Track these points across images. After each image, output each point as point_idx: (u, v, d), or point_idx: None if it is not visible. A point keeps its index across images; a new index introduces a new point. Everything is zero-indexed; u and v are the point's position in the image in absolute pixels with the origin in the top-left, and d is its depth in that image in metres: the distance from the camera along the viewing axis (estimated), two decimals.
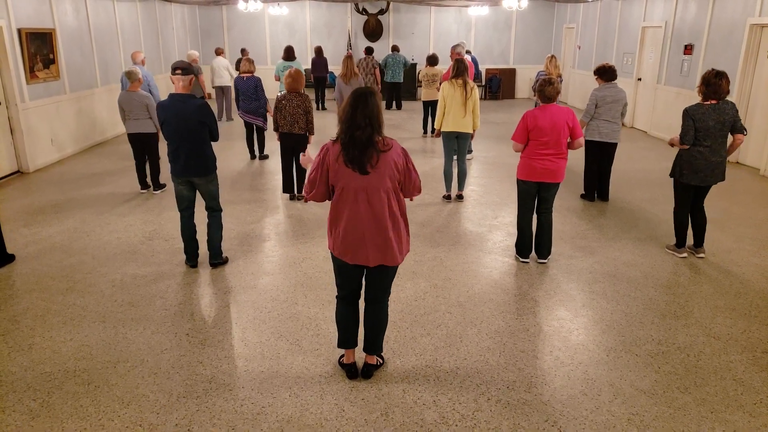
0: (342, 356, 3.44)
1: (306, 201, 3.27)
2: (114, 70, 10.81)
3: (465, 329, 3.86)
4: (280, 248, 5.31)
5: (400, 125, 12.01)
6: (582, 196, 6.86)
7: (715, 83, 4.62)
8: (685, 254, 5.11)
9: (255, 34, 16.23)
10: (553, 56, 8.46)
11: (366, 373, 3.33)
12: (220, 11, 16.06)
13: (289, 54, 10.71)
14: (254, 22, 16.12)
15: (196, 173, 4.58)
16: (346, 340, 3.32)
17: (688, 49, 9.86)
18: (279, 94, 6.77)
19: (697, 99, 4.99)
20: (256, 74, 8.64)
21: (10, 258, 4.99)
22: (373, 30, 16.22)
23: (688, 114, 4.74)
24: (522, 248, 5.01)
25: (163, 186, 7.19)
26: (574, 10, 15.04)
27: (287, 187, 6.79)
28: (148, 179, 7.21)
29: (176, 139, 4.47)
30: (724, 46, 8.92)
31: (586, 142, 6.48)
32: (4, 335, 3.77)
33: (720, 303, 4.24)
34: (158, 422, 2.94)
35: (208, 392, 3.19)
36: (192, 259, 4.86)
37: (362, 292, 3.28)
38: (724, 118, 4.67)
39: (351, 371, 3.33)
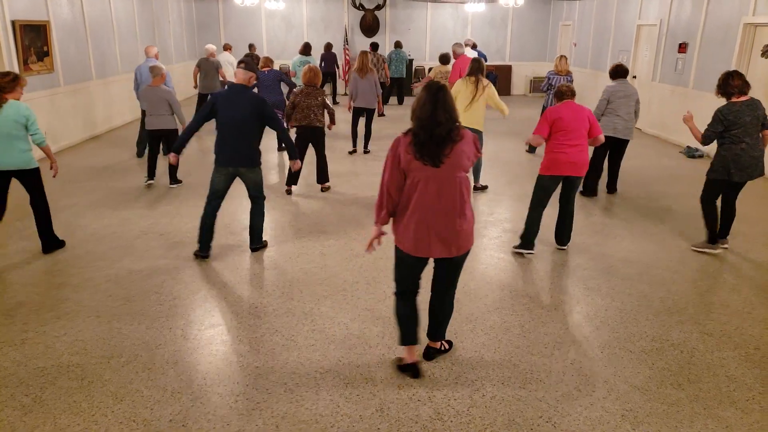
0: (401, 359, 3.34)
1: (376, 222, 3.14)
2: (110, 63, 10.75)
3: (460, 325, 3.86)
4: (276, 243, 5.30)
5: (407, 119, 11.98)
6: (581, 192, 6.85)
7: (728, 84, 4.73)
8: (719, 250, 5.12)
9: (252, 29, 16.16)
10: (563, 56, 8.54)
11: (428, 355, 3.39)
12: (216, 5, 15.98)
13: (306, 49, 10.73)
14: (251, 17, 16.04)
15: (243, 163, 4.68)
16: (411, 335, 3.26)
17: (683, 48, 9.89)
18: (296, 88, 6.81)
19: (690, 99, 5.01)
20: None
21: (61, 243, 5.09)
22: (370, 25, 16.18)
23: (721, 115, 4.76)
24: (528, 242, 5.06)
25: (180, 182, 7.13)
26: (571, 8, 15.04)
27: (291, 180, 6.82)
28: (159, 171, 7.20)
29: (227, 129, 4.57)
30: (718, 45, 8.94)
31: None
32: None
33: (714, 299, 4.27)
34: (152, 418, 2.94)
35: (202, 388, 3.18)
36: (205, 249, 4.89)
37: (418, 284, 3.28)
38: (758, 113, 4.75)
39: (414, 371, 3.26)
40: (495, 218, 6.09)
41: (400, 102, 14.34)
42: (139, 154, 8.55)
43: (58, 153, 8.75)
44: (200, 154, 8.88)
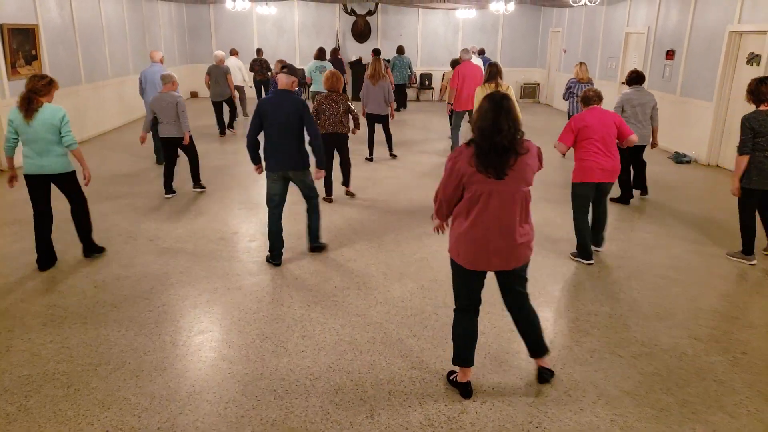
0: (454, 374, 3.26)
1: (435, 218, 3.16)
2: (100, 67, 10.69)
3: (451, 331, 3.85)
4: (266, 249, 5.27)
5: (418, 124, 11.98)
6: (613, 199, 6.74)
7: (760, 90, 4.71)
8: (754, 261, 5.04)
9: (243, 34, 16.14)
10: (583, 63, 8.60)
11: (541, 377, 3.25)
12: (207, 10, 15.95)
13: (321, 54, 10.73)
14: (242, 22, 16.03)
15: (292, 166, 4.73)
16: (467, 357, 3.14)
17: (670, 55, 10.00)
18: (319, 94, 6.74)
19: (678, 105, 5.04)
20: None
21: (101, 249, 5.06)
22: (362, 31, 16.22)
23: (749, 122, 4.74)
24: (584, 251, 5.01)
25: (204, 187, 7.03)
26: (560, 15, 15.17)
27: (327, 191, 6.71)
28: (175, 183, 7.08)
29: (275, 133, 4.65)
30: (704, 52, 9.05)
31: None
32: None
33: (702, 305, 4.30)
34: (140, 426, 2.90)
35: (191, 395, 3.15)
36: (277, 258, 4.91)
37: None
38: None
39: (466, 390, 3.16)
40: None
41: (404, 107, 14.42)
42: (159, 161, 8.47)
43: None
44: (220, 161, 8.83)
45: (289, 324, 3.92)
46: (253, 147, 4.81)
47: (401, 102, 14.48)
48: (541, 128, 11.77)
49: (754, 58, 8.08)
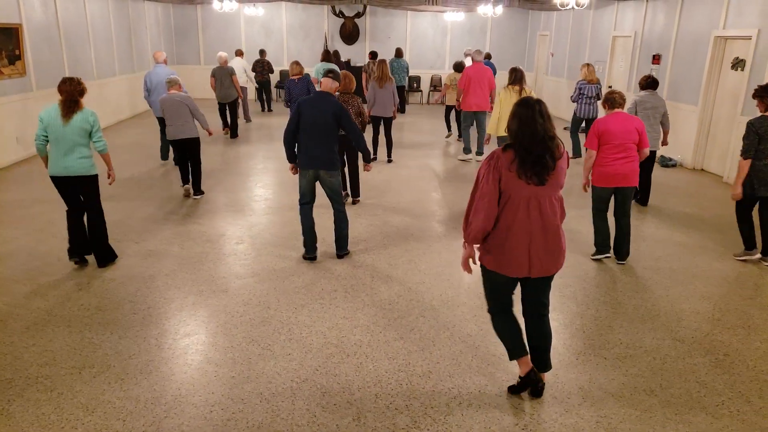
0: (513, 386, 3.24)
1: (467, 245, 3.02)
2: (85, 67, 10.58)
3: (438, 333, 3.87)
4: (253, 251, 5.25)
5: (408, 127, 12.00)
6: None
7: None
8: (758, 255, 5.21)
9: (230, 35, 16.06)
10: (589, 64, 8.65)
11: (537, 392, 3.18)
12: (194, 10, 15.85)
13: (328, 56, 10.74)
14: (230, 23, 15.95)
15: (323, 166, 4.81)
16: (519, 347, 3.14)
17: (657, 59, 10.11)
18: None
19: None
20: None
21: (114, 256, 4.95)
22: (350, 33, 16.22)
23: (753, 127, 4.81)
24: (601, 246, 5.18)
25: (203, 193, 6.96)
26: (548, 18, 15.29)
27: (355, 192, 6.76)
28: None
29: (308, 133, 4.76)
30: (690, 57, 9.17)
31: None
32: None
33: (685, 307, 4.35)
34: (124, 429, 2.88)
35: (176, 398, 3.13)
36: (311, 251, 5.07)
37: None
38: None
39: (535, 382, 3.15)
40: None
41: (402, 111, 14.44)
42: (163, 157, 8.60)
43: (30, 159, 8.58)
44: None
45: (275, 327, 3.91)
46: (290, 144, 4.91)
47: (401, 106, 14.52)
48: None
49: (738, 63, 8.20)
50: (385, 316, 4.11)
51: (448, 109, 11.08)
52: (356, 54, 15.92)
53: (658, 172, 8.80)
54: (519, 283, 3.08)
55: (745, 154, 4.86)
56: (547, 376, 3.39)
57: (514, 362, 3.53)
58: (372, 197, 7.03)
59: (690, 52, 9.18)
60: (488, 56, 13.68)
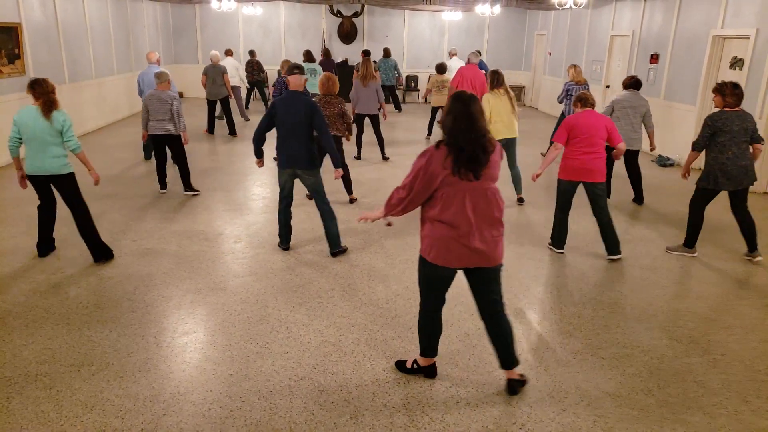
0: (405, 362, 3.40)
1: (391, 217, 3.15)
2: (83, 66, 10.57)
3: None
4: (251, 250, 5.26)
5: (404, 126, 12.01)
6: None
7: (736, 94, 4.89)
8: (695, 254, 5.32)
9: (229, 34, 16.05)
10: (576, 65, 8.74)
11: (512, 389, 3.21)
12: (192, 10, 15.84)
13: (310, 57, 10.78)
14: (228, 22, 15.95)
15: (300, 165, 4.90)
16: (433, 348, 3.30)
17: (654, 58, 10.14)
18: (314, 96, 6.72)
19: (661, 109, 5.14)
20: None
21: (109, 252, 4.95)
22: (348, 32, 16.22)
23: (710, 121, 4.94)
24: (557, 240, 5.34)
25: (197, 192, 6.94)
26: (546, 18, 15.31)
27: (349, 190, 6.82)
28: (168, 180, 7.11)
29: (285, 132, 4.83)
30: (688, 56, 9.20)
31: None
32: None
33: (681, 306, 4.37)
34: (123, 427, 2.89)
35: (175, 396, 3.14)
36: (284, 242, 5.26)
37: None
38: (747, 125, 4.92)
39: (432, 371, 3.35)
40: None
41: (398, 109, 14.47)
42: (147, 158, 8.61)
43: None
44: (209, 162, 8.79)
45: (273, 325, 3.92)
46: (258, 141, 4.99)
47: (395, 105, 14.51)
48: (528, 131, 11.84)
49: (737, 63, 8.23)
50: (382, 315, 4.12)
51: (434, 110, 11.03)
52: (354, 53, 15.91)
53: (655, 172, 8.83)
54: (468, 283, 3.12)
55: (695, 146, 5.08)
56: (544, 376, 3.41)
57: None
58: (368, 195, 7.04)
59: (688, 51, 9.20)
60: (478, 53, 13.68)
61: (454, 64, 12.36)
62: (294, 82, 4.85)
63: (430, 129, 11.28)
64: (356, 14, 16.03)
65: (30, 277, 4.58)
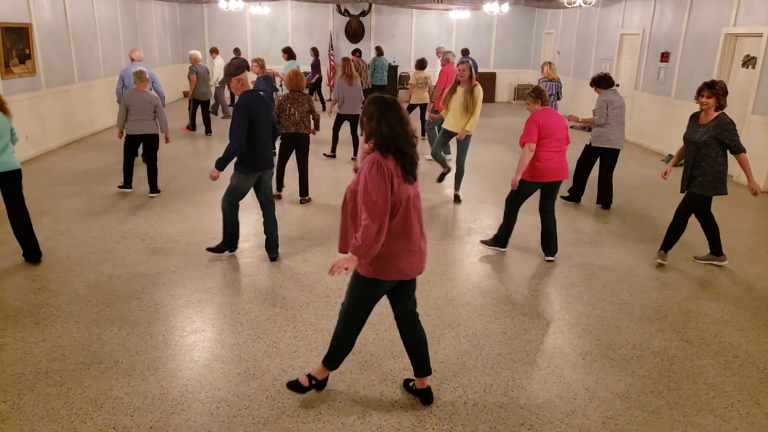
0: (311, 377, 3.15)
1: (363, 258, 2.74)
2: (93, 66, 10.63)
3: (443, 332, 3.87)
4: (259, 249, 5.27)
5: None
6: (565, 198, 6.91)
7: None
8: (726, 261, 5.15)
9: (236, 34, 16.09)
10: (551, 62, 8.66)
11: (427, 399, 3.11)
12: (200, 9, 15.89)
13: (292, 53, 10.79)
14: (235, 21, 15.98)
15: (269, 167, 4.86)
16: (341, 361, 3.13)
17: (665, 57, 10.06)
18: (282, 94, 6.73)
19: (672, 108, 5.08)
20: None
21: (39, 255, 4.88)
22: (355, 31, 16.22)
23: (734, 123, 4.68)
24: (502, 238, 5.26)
25: (159, 191, 6.95)
26: (554, 16, 15.23)
27: (279, 186, 6.88)
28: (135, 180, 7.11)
29: (261, 135, 4.72)
30: (699, 55, 9.12)
31: (593, 148, 6.66)
32: None
33: (693, 308, 4.33)
34: (132, 425, 2.90)
35: (183, 394, 3.14)
36: (235, 245, 5.11)
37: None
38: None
39: (323, 385, 3.21)
40: (478, 225, 6.11)
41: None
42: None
43: (39, 157, 8.64)
44: (181, 160, 8.81)
45: (281, 324, 3.92)
46: (234, 155, 4.65)
47: None
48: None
49: (749, 61, 8.14)
50: (389, 314, 4.07)
51: (412, 107, 10.53)
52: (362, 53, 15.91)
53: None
54: (392, 291, 3.01)
55: (743, 148, 4.72)
56: (552, 377, 3.39)
57: (520, 361, 3.53)
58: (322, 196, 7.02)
59: (699, 49, 9.12)
60: (466, 52, 13.68)
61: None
62: (246, 80, 4.75)
63: (422, 131, 10.93)
64: (363, 13, 16.02)
65: (40, 275, 4.60)
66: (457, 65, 6.49)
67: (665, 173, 5.17)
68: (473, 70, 6.34)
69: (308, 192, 6.83)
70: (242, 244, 5.40)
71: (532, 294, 4.49)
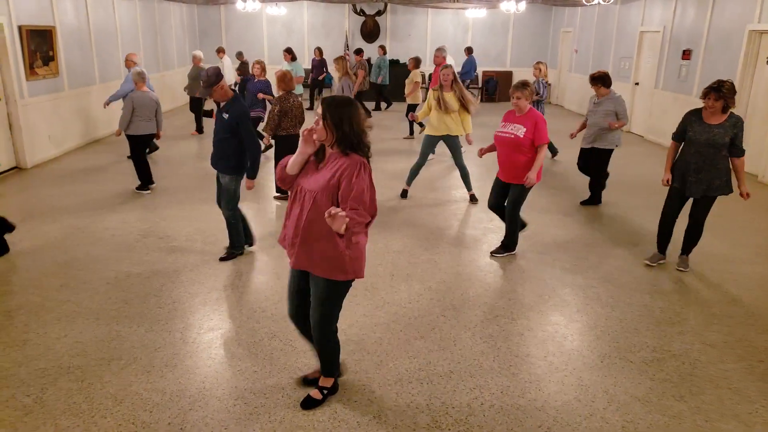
0: (324, 389, 3.13)
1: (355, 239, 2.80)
2: (112, 68, 10.78)
3: (459, 333, 3.85)
4: (273, 248, 5.29)
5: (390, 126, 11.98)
6: (584, 203, 6.81)
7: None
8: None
9: (253, 34, 16.22)
10: (545, 64, 8.64)
11: (309, 403, 3.08)
12: (218, 11, 16.05)
13: (294, 54, 10.88)
14: (252, 22, 16.11)
15: (220, 169, 4.84)
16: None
17: (687, 54, 9.90)
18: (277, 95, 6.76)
19: (693, 106, 4.99)
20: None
21: (6, 249, 4.98)
22: (371, 31, 16.24)
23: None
24: (514, 241, 5.23)
25: (150, 188, 7.08)
26: (572, 14, 15.08)
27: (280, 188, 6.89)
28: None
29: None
30: (722, 52, 8.95)
31: (607, 151, 6.50)
32: None
33: (715, 310, 4.25)
34: (151, 420, 2.93)
35: (201, 391, 3.17)
36: (248, 241, 5.19)
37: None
38: None
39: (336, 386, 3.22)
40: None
41: (389, 105, 14.11)
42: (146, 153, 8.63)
43: (61, 157, 8.79)
44: (195, 161, 8.90)
45: None
46: (238, 157, 4.77)
47: (386, 102, 14.03)
48: (555, 129, 11.69)
49: None
50: (405, 314, 4.10)
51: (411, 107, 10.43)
52: (376, 53, 15.93)
53: None
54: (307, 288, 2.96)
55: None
56: (570, 379, 3.35)
57: (537, 364, 3.50)
58: (391, 197, 7.02)
59: (722, 46, 8.95)
60: (470, 51, 13.61)
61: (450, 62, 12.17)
62: (227, 86, 4.79)
63: (415, 128, 10.91)
64: (379, 13, 16.03)
65: (61, 272, 4.68)
66: (441, 70, 6.46)
67: (667, 180, 4.90)
68: (456, 75, 6.42)
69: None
70: (258, 242, 5.43)
71: (550, 295, 4.45)
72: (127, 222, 5.92)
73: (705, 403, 3.16)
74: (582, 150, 6.65)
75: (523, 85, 4.77)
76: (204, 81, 4.69)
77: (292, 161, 2.81)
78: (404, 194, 6.91)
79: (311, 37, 16.31)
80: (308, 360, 3.50)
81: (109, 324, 3.88)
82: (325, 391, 3.12)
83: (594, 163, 6.56)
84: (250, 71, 8.82)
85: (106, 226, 5.79)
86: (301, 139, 2.78)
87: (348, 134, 2.68)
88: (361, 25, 16.20)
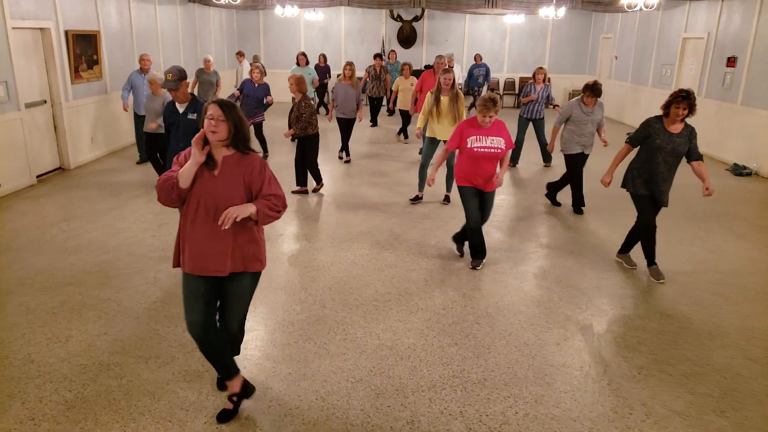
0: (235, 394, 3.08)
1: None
2: (154, 70, 11.07)
3: (493, 340, 3.82)
4: (310, 250, 5.35)
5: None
6: (576, 210, 6.74)
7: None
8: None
9: (290, 39, 16.43)
10: (544, 70, 8.67)
11: (225, 416, 3.02)
12: (257, 15, 16.32)
13: (307, 60, 11.13)
14: (290, 27, 16.33)
15: None
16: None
17: (731, 62, 9.61)
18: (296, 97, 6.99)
19: (738, 115, 4.84)
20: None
21: None
22: (407, 36, 16.26)
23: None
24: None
25: None
26: (612, 20, 14.81)
27: (301, 181, 7.28)
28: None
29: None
30: None
31: (583, 156, 6.61)
32: (43, 326, 3.89)
33: (757, 324, 4.11)
34: (187, 419, 2.99)
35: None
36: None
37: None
38: None
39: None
40: (532, 233, 6.00)
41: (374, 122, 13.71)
42: (143, 159, 8.72)
43: (103, 158, 9.07)
44: None
45: (331, 326, 3.97)
46: None
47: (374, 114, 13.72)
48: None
49: None
50: (439, 321, 4.09)
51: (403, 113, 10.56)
52: (413, 58, 15.94)
53: (731, 181, 8.36)
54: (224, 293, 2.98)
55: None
56: (607, 390, 3.29)
57: (572, 374, 3.44)
58: (433, 199, 7.01)
59: None
60: (479, 58, 13.66)
61: (455, 71, 12.07)
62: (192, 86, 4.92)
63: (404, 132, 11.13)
64: (416, 18, 16.04)
65: (102, 271, 4.82)
66: (441, 75, 6.46)
67: (608, 183, 4.95)
68: (455, 80, 6.48)
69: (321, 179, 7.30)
70: (293, 245, 5.50)
71: (586, 305, 4.37)
72: (166, 223, 6.06)
73: (747, 419, 3.06)
74: (581, 155, 6.56)
75: (494, 102, 4.70)
76: (174, 74, 4.55)
77: (186, 174, 2.69)
78: (446, 199, 7.04)
79: (347, 43, 16.44)
80: (341, 363, 3.52)
81: (148, 323, 3.98)
82: (234, 398, 3.04)
83: (579, 168, 6.59)
84: (250, 75, 8.94)
85: (146, 227, 5.94)
86: (193, 148, 2.69)
87: (243, 132, 2.77)
88: (397, 31, 16.24)
